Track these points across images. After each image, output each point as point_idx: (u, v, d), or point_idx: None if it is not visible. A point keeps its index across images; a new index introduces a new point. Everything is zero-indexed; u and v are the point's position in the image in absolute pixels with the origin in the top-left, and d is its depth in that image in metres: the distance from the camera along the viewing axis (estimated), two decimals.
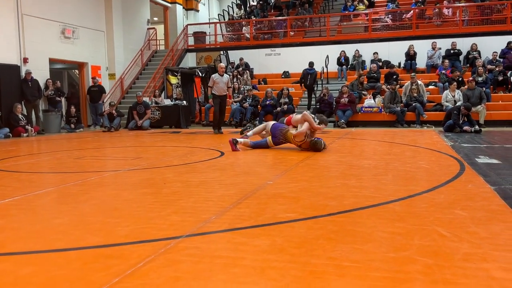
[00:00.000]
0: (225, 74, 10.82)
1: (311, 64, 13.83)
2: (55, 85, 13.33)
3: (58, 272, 2.03)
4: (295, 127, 6.66)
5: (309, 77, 13.67)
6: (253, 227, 2.69)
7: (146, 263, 2.09)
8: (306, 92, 14.16)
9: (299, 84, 14.38)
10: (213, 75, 10.85)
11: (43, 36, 13.21)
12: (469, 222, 2.70)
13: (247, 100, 13.72)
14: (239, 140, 6.87)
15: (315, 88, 13.76)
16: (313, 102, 13.60)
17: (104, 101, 14.60)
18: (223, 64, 11.23)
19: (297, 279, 1.90)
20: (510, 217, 2.81)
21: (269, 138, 6.91)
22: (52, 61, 13.94)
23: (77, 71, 16.02)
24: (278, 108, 13.17)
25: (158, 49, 18.53)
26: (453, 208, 3.04)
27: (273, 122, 7.26)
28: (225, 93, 10.77)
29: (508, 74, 12.94)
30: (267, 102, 13.42)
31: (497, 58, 13.79)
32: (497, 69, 13.23)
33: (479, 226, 2.62)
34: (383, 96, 12.88)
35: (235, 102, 13.93)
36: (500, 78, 13.01)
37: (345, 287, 1.80)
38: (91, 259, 2.19)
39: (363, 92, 13.54)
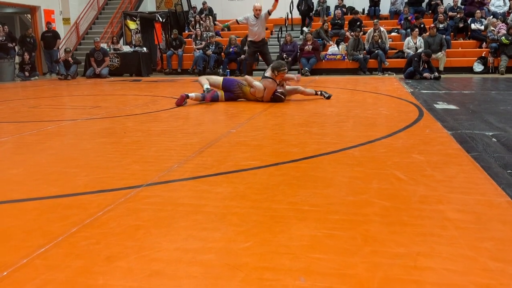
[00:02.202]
0: (262, 13, 8.48)
1: None
2: (4, 30, 12.58)
3: (13, 223, 1.97)
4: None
5: (303, 2, 13.59)
6: (216, 175, 2.69)
7: (105, 213, 2.06)
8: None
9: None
10: (248, 15, 8.76)
11: None
12: (426, 166, 2.78)
13: (210, 47, 13.39)
14: (190, 95, 6.22)
15: (311, 14, 14.01)
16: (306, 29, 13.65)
17: (60, 47, 13.94)
18: (258, 4, 8.71)
19: (258, 224, 1.92)
20: (465, 160, 2.91)
21: (221, 93, 6.32)
22: (1, 5, 13.07)
23: (29, 15, 15.13)
24: (242, 56, 12.94)
25: None
26: (410, 153, 3.12)
27: (222, 77, 6.64)
28: (263, 38, 8.66)
29: (469, 21, 13.09)
30: (231, 49, 13.14)
31: (458, 4, 13.88)
32: (458, 15, 13.34)
33: (435, 169, 2.70)
34: (347, 43, 12.84)
35: (198, 49, 13.59)
36: (461, 25, 13.15)
37: (304, 230, 1.83)
38: (48, 209, 2.13)
39: (326, 39, 13.45)
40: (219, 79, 6.56)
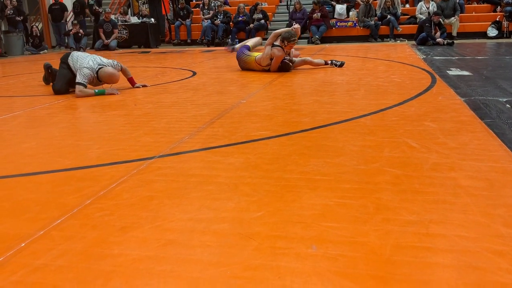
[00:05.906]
0: None
1: None
2: (12, 3, 12.52)
3: (28, 195, 2.01)
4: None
5: None
6: (227, 146, 2.69)
7: (118, 184, 2.08)
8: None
9: None
10: None
11: None
12: (438, 133, 2.75)
13: (218, 16, 13.21)
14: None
15: None
16: None
17: (67, 20, 13.86)
18: None
19: (270, 193, 1.93)
20: (478, 127, 2.88)
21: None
22: None
23: None
24: (251, 25, 12.77)
25: None
26: (423, 120, 3.08)
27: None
28: None
29: None
30: (240, 18, 12.96)
31: None
32: None
33: (448, 137, 2.68)
34: (358, 10, 12.58)
35: (206, 19, 13.41)
36: None
37: (316, 199, 1.84)
38: (62, 182, 2.16)
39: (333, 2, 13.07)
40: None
